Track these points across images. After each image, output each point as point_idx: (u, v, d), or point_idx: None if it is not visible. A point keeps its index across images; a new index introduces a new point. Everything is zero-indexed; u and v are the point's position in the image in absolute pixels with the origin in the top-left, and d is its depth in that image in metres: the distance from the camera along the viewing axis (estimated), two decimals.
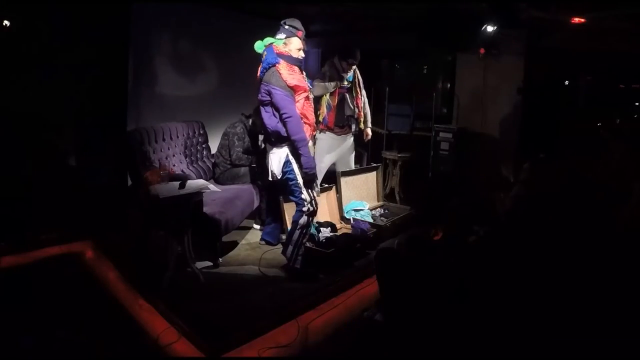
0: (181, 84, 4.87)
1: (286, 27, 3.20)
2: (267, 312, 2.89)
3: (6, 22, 3.63)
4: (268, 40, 3.23)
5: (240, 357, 2.55)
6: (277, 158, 3.25)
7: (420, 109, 5.74)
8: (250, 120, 4.26)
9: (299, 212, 3.28)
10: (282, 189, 3.52)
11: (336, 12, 4.89)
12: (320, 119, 4.21)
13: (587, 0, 3.72)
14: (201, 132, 4.50)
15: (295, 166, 3.22)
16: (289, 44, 3.19)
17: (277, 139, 3.21)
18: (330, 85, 4.18)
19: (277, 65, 3.10)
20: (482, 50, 5.12)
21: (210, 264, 3.47)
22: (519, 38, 4.96)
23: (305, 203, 3.24)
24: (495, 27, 4.63)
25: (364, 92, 4.53)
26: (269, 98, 3.12)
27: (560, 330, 2.06)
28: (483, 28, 4.64)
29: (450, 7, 4.45)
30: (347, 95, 4.37)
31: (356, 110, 4.40)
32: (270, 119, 3.18)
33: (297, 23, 3.24)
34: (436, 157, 5.38)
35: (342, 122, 4.39)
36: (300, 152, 3.15)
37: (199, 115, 4.63)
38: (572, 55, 4.77)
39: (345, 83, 4.31)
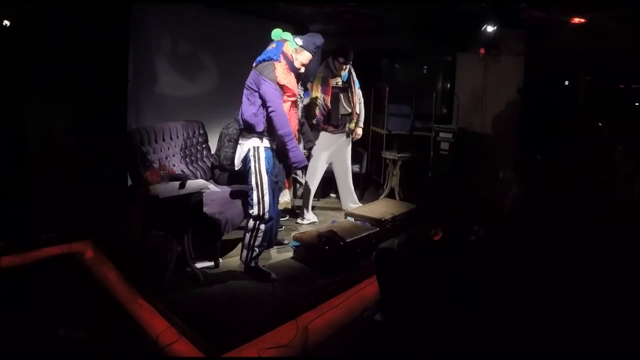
0: (181, 84, 4.86)
1: (310, 39, 3.19)
2: (267, 312, 2.89)
3: (6, 22, 3.62)
4: (286, 35, 3.19)
5: (240, 357, 2.55)
6: (241, 149, 3.24)
7: (420, 109, 5.74)
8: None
9: (248, 215, 3.25)
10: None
11: (336, 12, 4.89)
12: (314, 121, 4.23)
13: (587, 0, 3.72)
14: (201, 132, 4.50)
15: (253, 164, 3.16)
16: (299, 52, 3.18)
17: (246, 129, 3.18)
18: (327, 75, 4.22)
19: (275, 61, 3.09)
20: (482, 50, 5.13)
21: (210, 264, 3.46)
22: (519, 38, 4.97)
23: (252, 205, 3.20)
24: (495, 27, 4.64)
25: (359, 91, 4.53)
26: (256, 88, 3.10)
27: (560, 329, 2.06)
28: (483, 28, 4.64)
29: (450, 7, 4.46)
30: (342, 95, 4.37)
31: (348, 109, 4.41)
32: (248, 108, 3.13)
33: (320, 42, 3.22)
34: (436, 157, 5.38)
35: (336, 121, 4.40)
36: (287, 146, 3.10)
37: (199, 115, 4.62)
38: (572, 55, 4.77)
39: (340, 82, 4.32)
